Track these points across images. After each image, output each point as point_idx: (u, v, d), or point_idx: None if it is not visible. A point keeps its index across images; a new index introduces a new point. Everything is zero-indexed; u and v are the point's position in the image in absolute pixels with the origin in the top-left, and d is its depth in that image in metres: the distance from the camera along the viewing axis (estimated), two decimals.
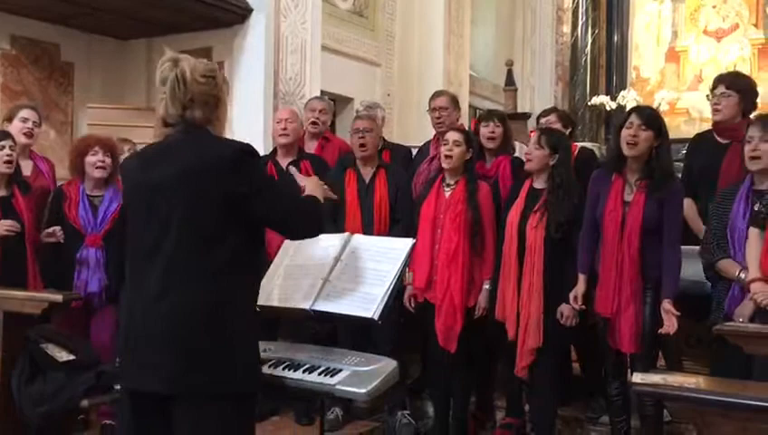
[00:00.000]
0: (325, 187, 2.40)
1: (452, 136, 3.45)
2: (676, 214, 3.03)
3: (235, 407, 1.89)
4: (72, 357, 2.66)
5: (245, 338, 1.92)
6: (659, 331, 2.92)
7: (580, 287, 3.13)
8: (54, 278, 3.53)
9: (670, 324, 2.89)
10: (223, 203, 1.87)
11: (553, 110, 4.16)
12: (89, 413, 3.45)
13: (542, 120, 3.85)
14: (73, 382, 2.58)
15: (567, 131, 3.86)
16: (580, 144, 4.41)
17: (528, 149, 3.31)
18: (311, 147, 4.37)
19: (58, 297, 2.78)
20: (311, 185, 2.29)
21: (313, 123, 4.39)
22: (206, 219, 1.87)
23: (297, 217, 2.06)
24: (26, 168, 3.82)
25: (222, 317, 1.86)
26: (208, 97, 1.96)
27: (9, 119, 3.86)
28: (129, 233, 2.02)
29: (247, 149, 1.96)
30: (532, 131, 4.40)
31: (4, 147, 3.35)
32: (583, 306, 3.13)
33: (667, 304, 2.92)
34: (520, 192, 3.33)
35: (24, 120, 3.84)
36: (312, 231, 2.14)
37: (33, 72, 5.52)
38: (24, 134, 3.78)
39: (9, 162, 3.37)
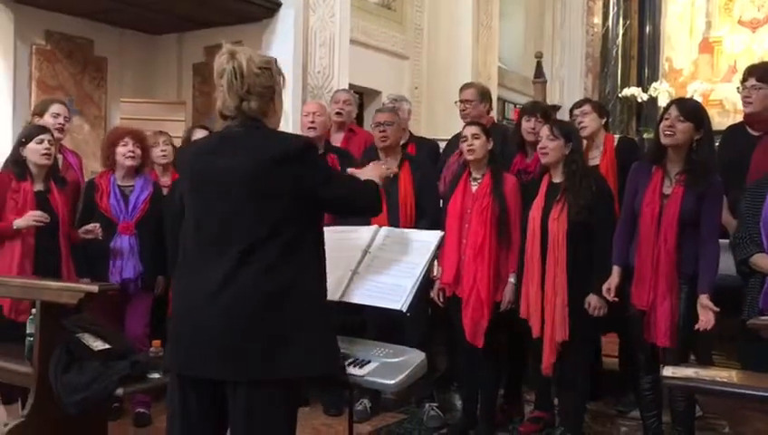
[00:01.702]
0: (383, 165, 2.60)
1: (469, 130, 3.46)
2: (715, 208, 2.98)
3: (285, 392, 1.91)
4: (107, 346, 2.69)
5: (305, 325, 1.91)
6: (696, 326, 2.88)
7: (614, 280, 3.09)
8: (87, 267, 3.59)
9: (706, 320, 2.85)
10: (289, 195, 1.92)
11: (587, 100, 4.12)
12: (123, 402, 3.53)
13: (576, 111, 3.81)
14: (108, 371, 2.61)
15: (602, 121, 3.83)
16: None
17: (542, 144, 3.28)
18: (337, 139, 4.42)
19: (94, 288, 2.81)
20: (367, 173, 2.36)
21: (338, 113, 4.47)
22: (271, 211, 1.91)
23: (360, 199, 2.17)
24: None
25: (281, 305, 1.88)
26: (264, 89, 1.99)
27: (40, 113, 3.91)
28: (187, 221, 2.03)
29: (312, 143, 2.07)
30: None
31: (43, 140, 3.41)
32: (616, 298, 3.09)
33: (704, 300, 2.88)
34: (539, 189, 3.31)
35: (56, 115, 3.89)
36: (374, 209, 2.25)
37: (68, 66, 5.61)
38: (56, 129, 3.83)
39: (48, 155, 3.42)
